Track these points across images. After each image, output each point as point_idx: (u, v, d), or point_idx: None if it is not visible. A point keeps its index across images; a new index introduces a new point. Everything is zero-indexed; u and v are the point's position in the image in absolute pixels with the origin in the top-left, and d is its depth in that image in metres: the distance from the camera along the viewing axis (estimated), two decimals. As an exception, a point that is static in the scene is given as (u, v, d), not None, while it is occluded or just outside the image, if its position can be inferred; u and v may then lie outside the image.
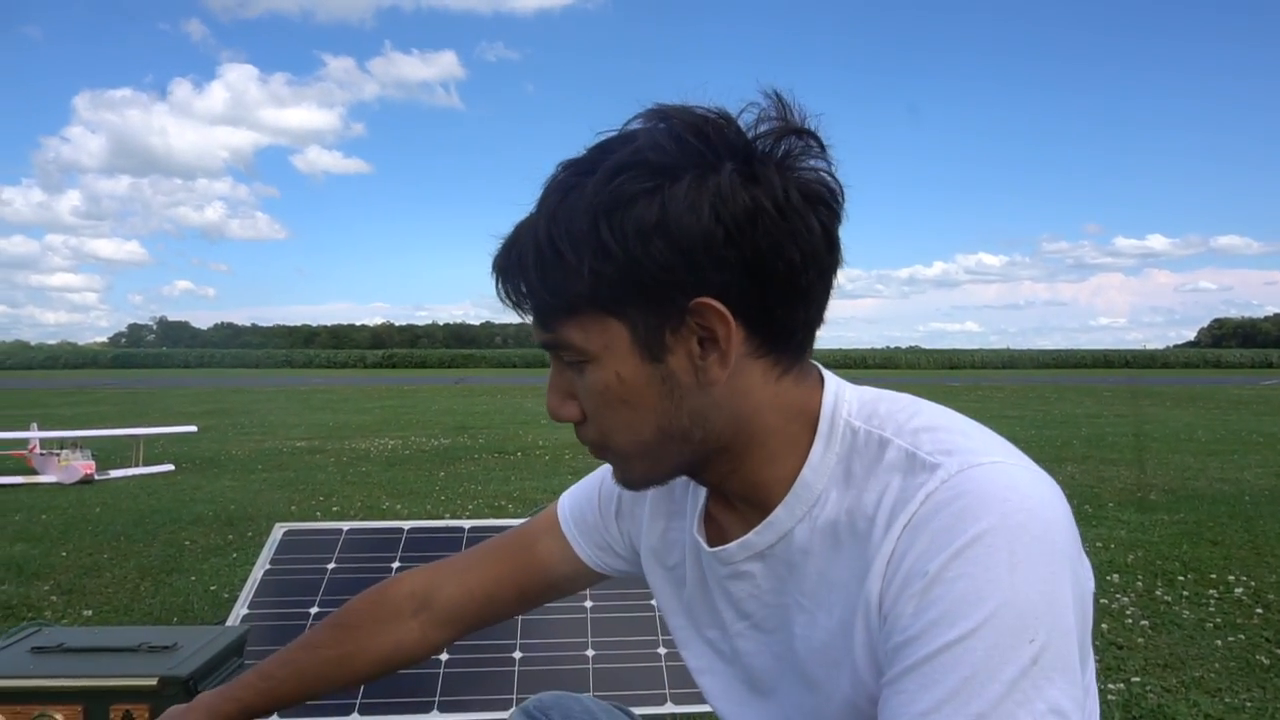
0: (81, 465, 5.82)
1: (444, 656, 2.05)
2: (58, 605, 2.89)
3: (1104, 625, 2.77)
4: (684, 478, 0.81)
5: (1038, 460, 0.65)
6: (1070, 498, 0.67)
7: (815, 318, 0.69)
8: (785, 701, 0.78)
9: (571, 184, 0.64)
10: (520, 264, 0.67)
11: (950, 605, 0.57)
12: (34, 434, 6.51)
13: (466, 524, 2.61)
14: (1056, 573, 0.59)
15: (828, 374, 0.73)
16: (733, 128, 0.64)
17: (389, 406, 14.57)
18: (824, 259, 0.66)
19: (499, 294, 0.70)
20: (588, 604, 2.30)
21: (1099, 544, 3.85)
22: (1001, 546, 0.58)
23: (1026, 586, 0.57)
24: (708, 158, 0.63)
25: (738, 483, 0.73)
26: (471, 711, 1.97)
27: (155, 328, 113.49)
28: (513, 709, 1.15)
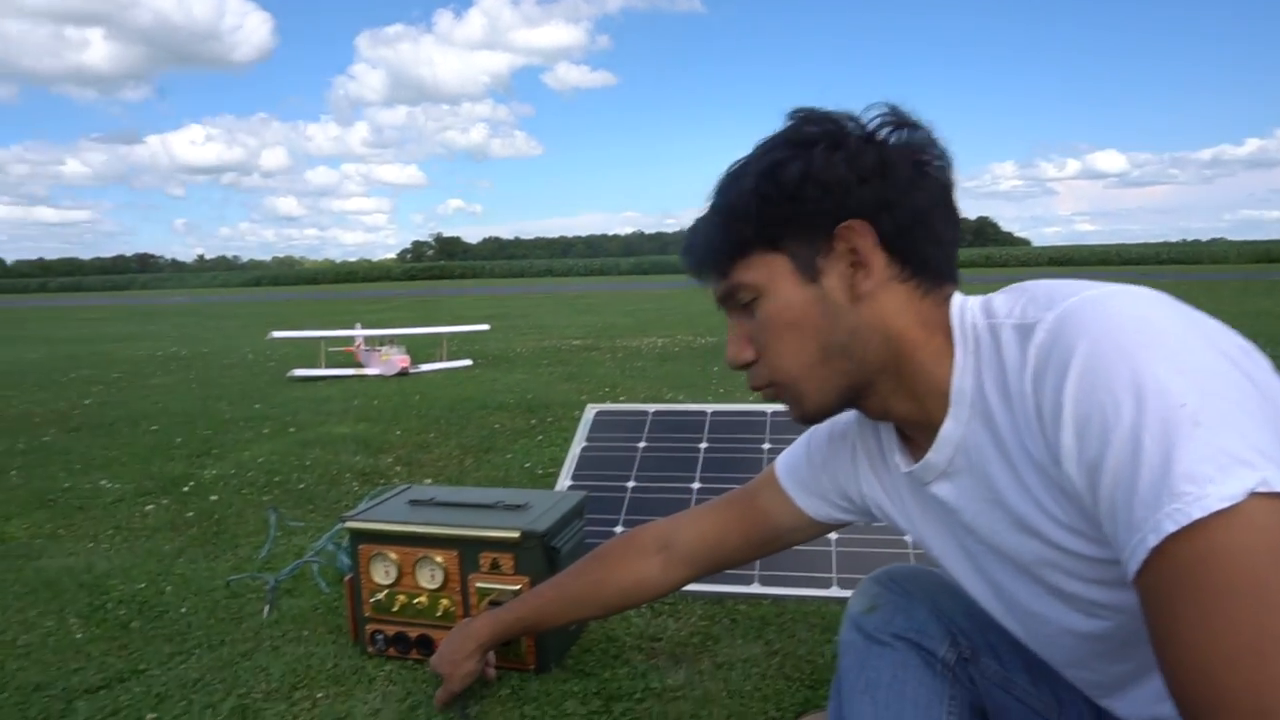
0: (399, 359, 6.54)
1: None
2: (401, 474, 3.25)
3: None
4: (873, 424, 0.95)
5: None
6: None
7: (948, 253, 0.80)
8: (1021, 598, 0.83)
9: (734, 170, 0.83)
10: (700, 234, 0.85)
11: (1097, 414, 0.62)
12: (359, 332, 7.40)
13: (769, 408, 2.58)
14: (1176, 346, 0.61)
15: (955, 292, 0.81)
16: (854, 118, 0.80)
17: (648, 309, 15.03)
18: (942, 206, 0.80)
19: (686, 270, 0.88)
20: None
21: None
22: (1110, 350, 0.62)
23: (1149, 368, 0.60)
24: (836, 134, 0.78)
25: (903, 405, 0.82)
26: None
27: (434, 243, 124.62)
28: (865, 578, 1.11)
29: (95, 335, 13.06)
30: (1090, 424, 0.62)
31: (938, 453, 0.81)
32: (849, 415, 0.99)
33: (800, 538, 1.12)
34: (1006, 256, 56.57)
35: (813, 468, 1.05)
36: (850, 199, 0.77)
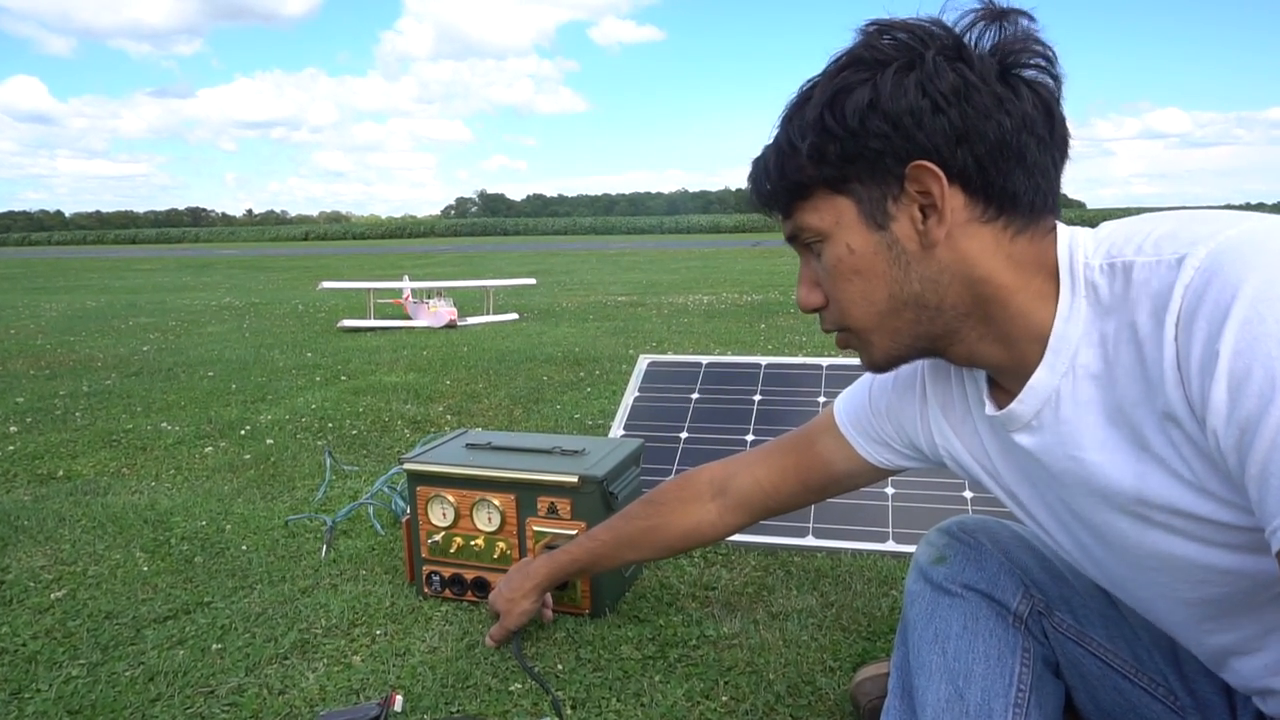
0: (446, 312, 6.58)
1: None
2: (452, 423, 3.28)
3: None
4: (956, 369, 0.87)
5: None
6: None
7: (1044, 182, 0.70)
8: (1112, 561, 0.78)
9: (805, 94, 0.75)
10: (765, 169, 0.78)
11: (1260, 369, 0.55)
12: (406, 284, 7.46)
13: (824, 361, 2.53)
14: None
15: (1060, 225, 0.73)
16: (939, 25, 0.70)
17: (693, 267, 14.93)
18: (1040, 128, 0.69)
19: (752, 203, 0.81)
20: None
21: None
22: (1276, 295, 0.55)
23: None
24: (915, 49, 0.69)
25: (993, 351, 0.75)
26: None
27: (477, 200, 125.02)
28: (932, 529, 1.09)
29: (151, 285, 13.35)
30: (1250, 379, 0.55)
31: (1023, 403, 0.74)
32: None
33: (859, 483, 1.07)
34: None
35: (876, 413, 0.99)
36: (921, 132, 0.69)
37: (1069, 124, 0.72)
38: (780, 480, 1.11)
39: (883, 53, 0.71)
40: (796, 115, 0.75)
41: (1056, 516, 0.82)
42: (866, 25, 0.73)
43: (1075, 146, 0.74)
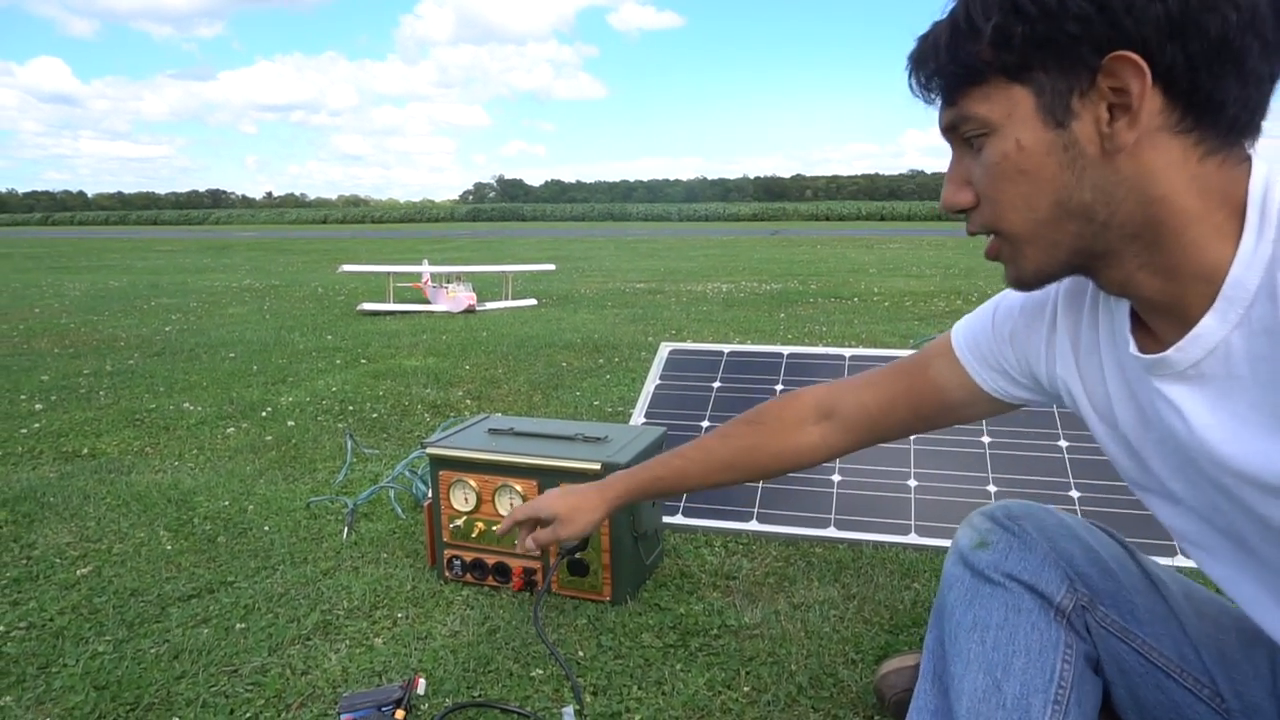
0: (465, 296, 6.59)
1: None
2: (471, 408, 3.28)
3: None
4: (1093, 299, 0.79)
5: None
6: None
7: (1255, 95, 0.62)
8: (1250, 533, 0.72)
9: None
10: (934, 45, 0.68)
11: None
12: (426, 269, 7.48)
13: (847, 351, 2.51)
14: None
15: (1257, 158, 0.65)
16: None
17: (711, 255, 14.88)
18: (1268, 29, 0.60)
19: (910, 85, 0.71)
20: (985, 439, 2.14)
21: None
22: None
23: None
24: None
25: (1152, 282, 0.67)
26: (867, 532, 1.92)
27: (496, 185, 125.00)
28: (974, 512, 1.06)
29: (172, 266, 13.45)
30: None
31: (1184, 351, 0.67)
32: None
33: (974, 414, 1.00)
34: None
35: (998, 339, 0.92)
36: (1130, 19, 0.59)
37: None
38: (890, 406, 1.04)
39: None
40: None
41: (1182, 477, 0.76)
42: None
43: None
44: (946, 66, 0.68)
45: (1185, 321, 0.67)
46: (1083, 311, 0.82)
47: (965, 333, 0.97)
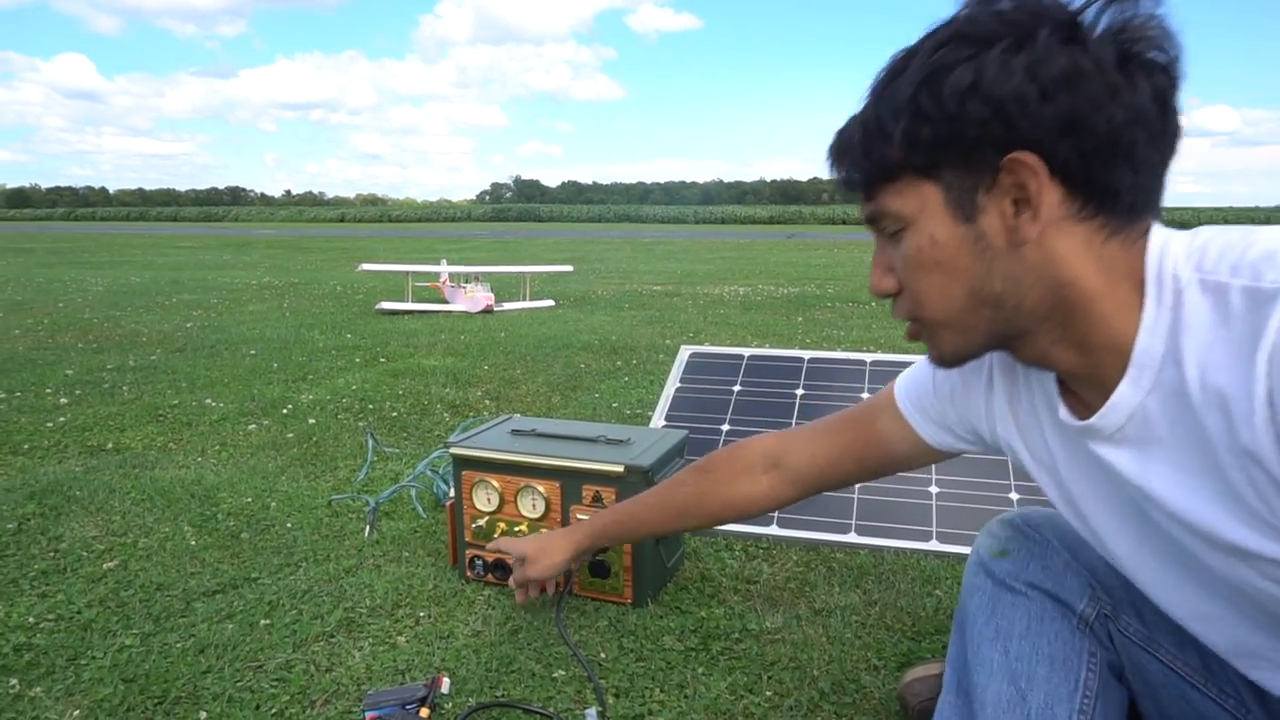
0: (484, 297, 6.62)
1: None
2: (490, 408, 3.30)
3: None
4: (1024, 366, 0.82)
5: None
6: None
7: (1149, 181, 0.66)
8: (1185, 588, 0.77)
9: (898, 65, 0.69)
10: (848, 143, 0.73)
11: None
12: (444, 268, 7.50)
13: (868, 357, 2.51)
14: None
15: (1156, 227, 0.68)
16: (1054, 1, 0.64)
17: (728, 257, 14.87)
18: (1153, 122, 0.64)
19: (832, 174, 0.76)
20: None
21: None
22: None
23: None
24: (1025, 25, 0.64)
25: (1067, 355, 0.71)
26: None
27: (513, 185, 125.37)
28: (994, 519, 1.06)
29: (193, 262, 13.57)
30: None
31: (1106, 418, 0.71)
32: None
33: (916, 464, 1.05)
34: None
35: (939, 397, 0.96)
36: (1025, 121, 0.63)
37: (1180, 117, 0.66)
38: (837, 458, 1.08)
39: (988, 28, 0.65)
40: (888, 92, 0.69)
41: (1125, 527, 0.79)
42: None
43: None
44: (861, 163, 0.72)
45: (1105, 389, 0.70)
46: (1017, 376, 0.86)
47: (909, 388, 1.01)
